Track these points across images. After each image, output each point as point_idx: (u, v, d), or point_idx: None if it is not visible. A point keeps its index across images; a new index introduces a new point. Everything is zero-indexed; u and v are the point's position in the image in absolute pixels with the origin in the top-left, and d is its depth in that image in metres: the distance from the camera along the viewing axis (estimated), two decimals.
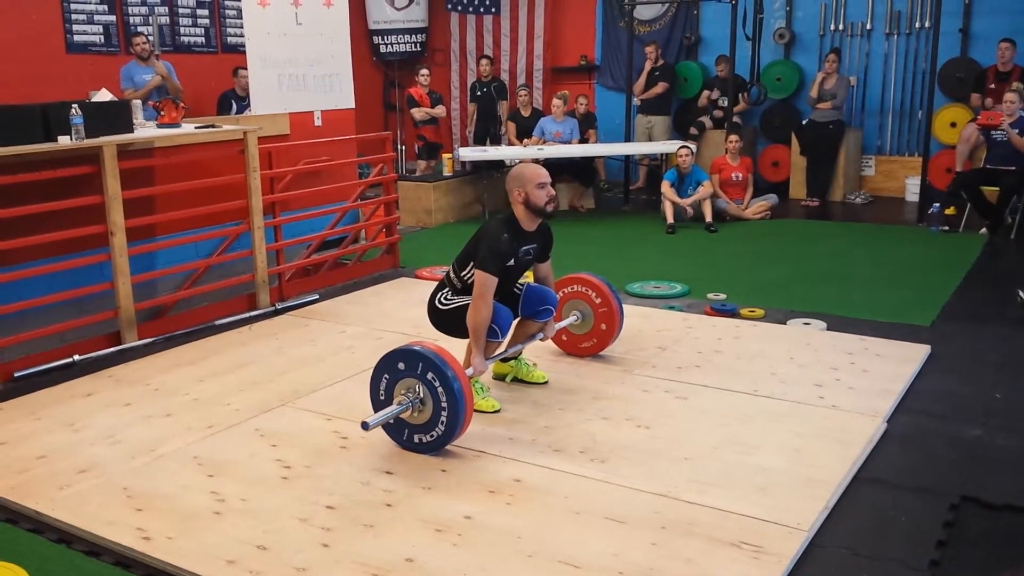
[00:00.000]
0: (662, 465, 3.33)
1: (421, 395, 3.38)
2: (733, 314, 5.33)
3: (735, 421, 3.73)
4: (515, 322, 4.05)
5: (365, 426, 3.32)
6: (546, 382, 4.19)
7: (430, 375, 3.36)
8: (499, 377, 4.22)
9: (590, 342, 4.53)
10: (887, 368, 4.31)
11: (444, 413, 3.35)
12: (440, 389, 3.34)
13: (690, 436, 3.59)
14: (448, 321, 3.96)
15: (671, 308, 5.52)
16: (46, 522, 3.06)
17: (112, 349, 4.78)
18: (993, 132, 7.61)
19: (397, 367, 3.44)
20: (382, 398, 3.48)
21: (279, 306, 5.64)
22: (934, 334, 4.91)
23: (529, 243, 3.93)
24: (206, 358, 4.70)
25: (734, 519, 2.92)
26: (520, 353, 4.21)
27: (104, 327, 4.85)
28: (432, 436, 3.41)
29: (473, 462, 3.41)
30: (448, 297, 3.95)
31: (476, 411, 3.83)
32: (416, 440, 3.45)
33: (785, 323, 5.14)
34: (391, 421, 3.45)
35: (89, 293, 4.77)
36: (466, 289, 3.86)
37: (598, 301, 4.44)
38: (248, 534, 2.90)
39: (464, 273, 3.87)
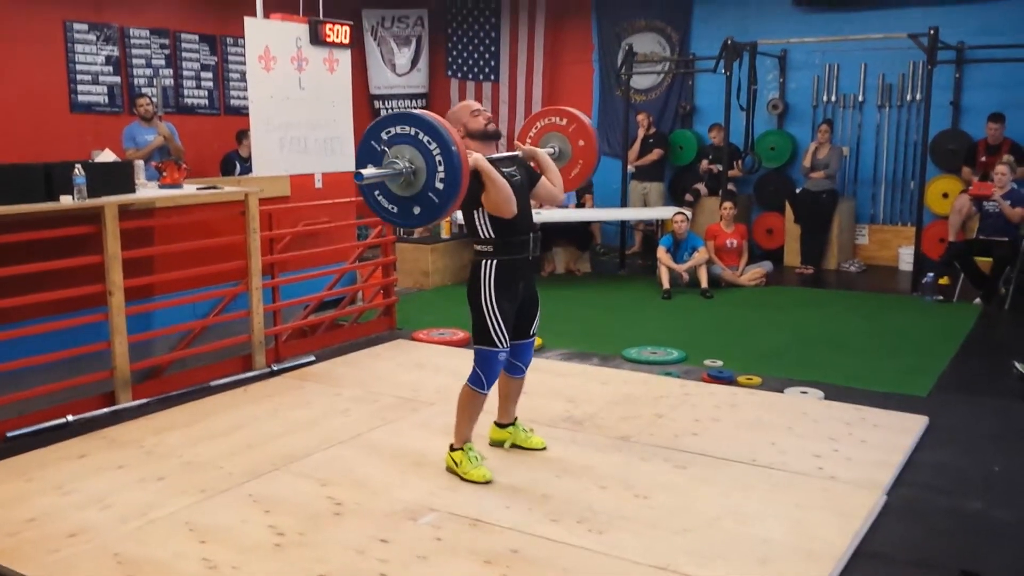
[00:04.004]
0: (662, 536, 3.29)
1: (414, 161, 3.19)
2: (730, 381, 5.32)
3: (735, 491, 3.70)
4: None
5: (359, 176, 3.16)
6: (544, 448, 4.16)
7: (425, 138, 3.16)
8: (497, 444, 4.19)
9: (576, 168, 4.37)
10: (885, 439, 4.29)
11: (440, 172, 3.15)
12: (435, 151, 3.15)
13: (689, 506, 3.55)
14: None
15: (668, 374, 5.51)
16: None
17: (106, 410, 4.75)
18: (985, 203, 7.71)
19: (387, 133, 3.23)
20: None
21: (275, 367, 5.61)
22: (931, 404, 4.90)
23: (505, 166, 3.79)
24: (200, 420, 4.66)
25: None
26: (515, 418, 4.19)
27: (99, 387, 4.81)
28: (428, 205, 3.22)
29: (469, 531, 3.36)
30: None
31: (467, 480, 3.79)
32: (414, 211, 3.26)
33: (782, 391, 5.13)
34: (375, 184, 3.26)
35: (85, 352, 4.75)
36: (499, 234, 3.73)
37: (564, 123, 4.33)
38: None
39: (478, 221, 3.72)
